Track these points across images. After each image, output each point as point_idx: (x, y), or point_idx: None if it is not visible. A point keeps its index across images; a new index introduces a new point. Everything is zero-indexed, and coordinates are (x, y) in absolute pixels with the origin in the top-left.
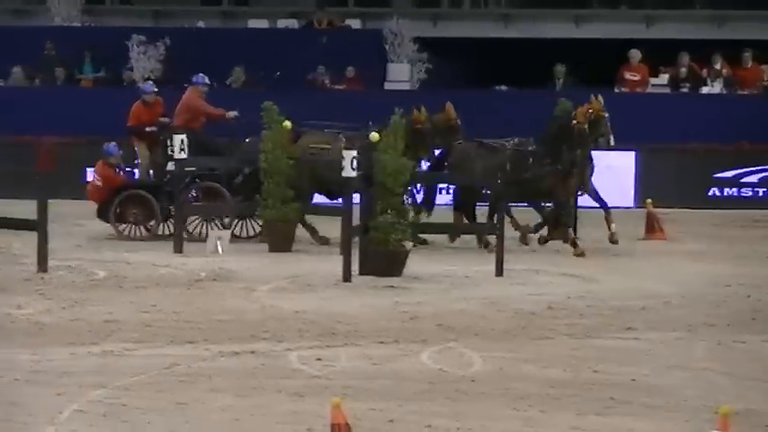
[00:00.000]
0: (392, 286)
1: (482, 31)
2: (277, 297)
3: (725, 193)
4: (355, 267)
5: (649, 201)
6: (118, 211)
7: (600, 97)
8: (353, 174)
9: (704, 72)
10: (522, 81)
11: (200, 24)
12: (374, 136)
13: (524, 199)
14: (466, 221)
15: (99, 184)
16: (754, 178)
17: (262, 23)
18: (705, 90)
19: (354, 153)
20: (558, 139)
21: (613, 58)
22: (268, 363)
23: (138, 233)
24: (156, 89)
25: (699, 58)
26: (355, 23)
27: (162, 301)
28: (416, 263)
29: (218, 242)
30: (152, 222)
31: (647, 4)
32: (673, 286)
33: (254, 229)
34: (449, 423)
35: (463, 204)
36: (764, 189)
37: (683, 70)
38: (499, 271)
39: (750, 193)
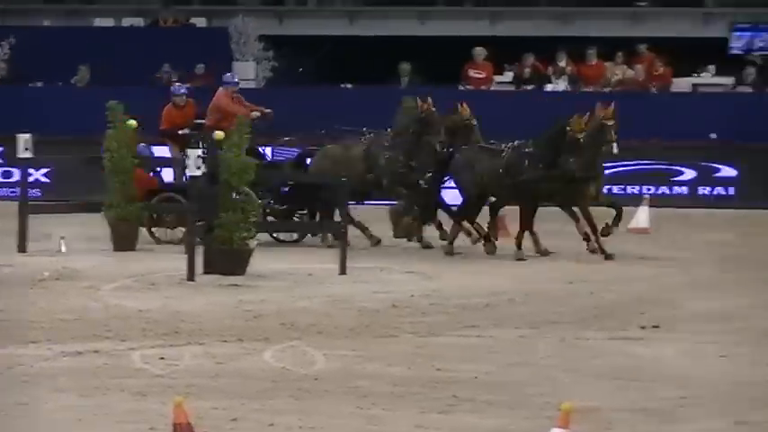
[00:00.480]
0: (236, 285)
1: (327, 28)
2: (121, 296)
3: None
4: (200, 266)
5: (494, 199)
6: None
7: (611, 106)
8: (198, 172)
9: (549, 69)
10: (368, 78)
11: (46, 23)
12: (219, 134)
13: (521, 201)
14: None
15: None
16: None
17: (107, 22)
18: (550, 87)
19: (199, 152)
20: (551, 144)
21: (458, 56)
22: (111, 362)
23: (172, 237)
24: (185, 90)
25: (543, 56)
26: (201, 22)
27: (5, 300)
28: (261, 261)
29: (61, 241)
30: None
31: (492, 1)
32: (516, 284)
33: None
34: (292, 421)
35: (467, 211)
36: (607, 186)
37: (527, 70)
38: (343, 269)
39: None
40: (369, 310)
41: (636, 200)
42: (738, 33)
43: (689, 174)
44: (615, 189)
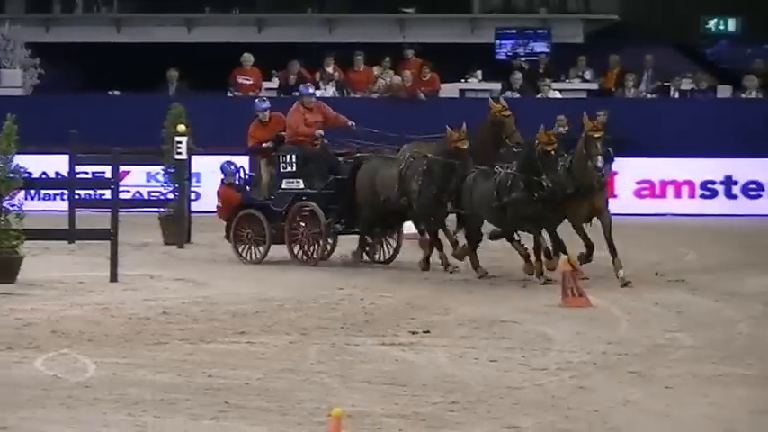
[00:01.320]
0: (6, 293)
1: (95, 35)
2: None
3: None
4: None
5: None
6: (237, 231)
7: (600, 117)
8: None
9: (317, 75)
10: (136, 85)
11: None
12: None
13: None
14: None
15: (220, 204)
16: None
17: None
18: (318, 93)
19: None
20: (527, 167)
21: (226, 63)
22: None
23: (255, 255)
24: (267, 105)
25: (311, 62)
26: None
27: None
28: (31, 269)
29: None
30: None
31: (260, 8)
32: (287, 291)
33: (387, 252)
34: (63, 429)
35: (474, 234)
36: None
37: (293, 77)
38: (114, 276)
39: None
40: (139, 317)
41: None
42: (503, 40)
43: None
44: None
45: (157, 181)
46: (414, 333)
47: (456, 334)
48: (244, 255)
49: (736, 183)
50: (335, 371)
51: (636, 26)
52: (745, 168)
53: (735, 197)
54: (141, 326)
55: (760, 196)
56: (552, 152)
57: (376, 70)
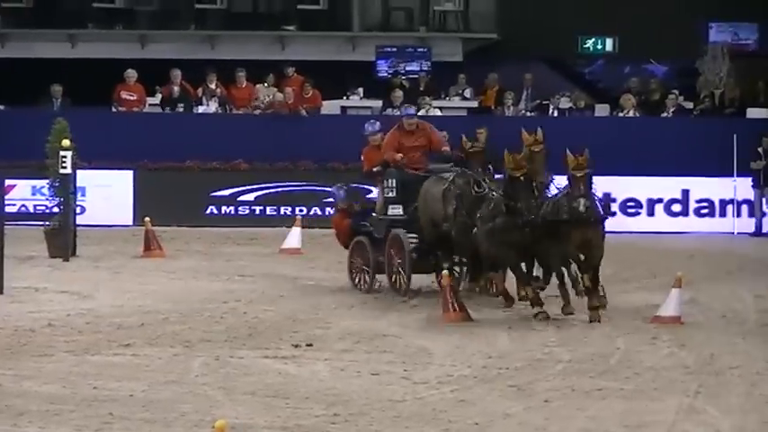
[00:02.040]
0: None
1: None
2: None
3: (222, 212)
4: None
5: (147, 219)
6: (350, 259)
7: (583, 154)
8: None
9: (199, 91)
10: (20, 100)
11: None
12: None
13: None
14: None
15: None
16: (250, 197)
17: None
18: (201, 109)
19: None
20: (506, 192)
21: (111, 78)
22: None
23: (363, 284)
24: (376, 128)
25: (194, 78)
26: None
27: None
28: None
29: None
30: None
31: (142, 24)
32: (171, 303)
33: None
34: None
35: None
36: (261, 207)
37: (176, 89)
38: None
39: (247, 212)
40: (25, 329)
41: (288, 221)
42: (383, 58)
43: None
44: (269, 210)
45: (42, 195)
46: (296, 346)
47: (338, 347)
48: (356, 283)
49: (614, 200)
50: (219, 383)
51: (514, 45)
52: (624, 185)
53: (614, 214)
54: (27, 338)
55: (639, 213)
56: (521, 177)
57: (259, 87)
